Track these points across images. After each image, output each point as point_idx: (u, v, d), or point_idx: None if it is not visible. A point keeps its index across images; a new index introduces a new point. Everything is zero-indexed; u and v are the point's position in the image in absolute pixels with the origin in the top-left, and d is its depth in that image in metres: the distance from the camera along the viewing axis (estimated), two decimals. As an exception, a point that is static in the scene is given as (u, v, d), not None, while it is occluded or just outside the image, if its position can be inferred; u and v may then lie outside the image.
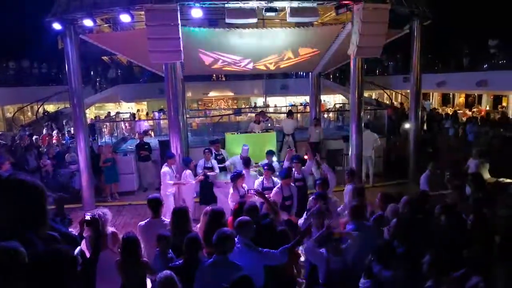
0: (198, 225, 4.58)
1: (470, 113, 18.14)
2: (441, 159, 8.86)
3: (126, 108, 23.26)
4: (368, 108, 15.37)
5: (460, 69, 18.90)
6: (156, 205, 4.48)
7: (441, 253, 3.40)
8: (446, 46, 20.46)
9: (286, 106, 22.15)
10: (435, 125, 13.97)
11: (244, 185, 6.17)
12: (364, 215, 4.60)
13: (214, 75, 22.76)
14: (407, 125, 11.00)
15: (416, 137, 10.30)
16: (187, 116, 13.46)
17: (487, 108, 19.48)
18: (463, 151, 9.82)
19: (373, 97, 23.67)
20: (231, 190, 6.09)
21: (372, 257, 3.54)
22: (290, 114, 12.20)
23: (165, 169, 7.22)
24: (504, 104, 19.76)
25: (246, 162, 7.22)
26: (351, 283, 3.69)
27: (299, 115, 17.30)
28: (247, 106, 23.67)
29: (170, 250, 3.85)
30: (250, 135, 10.63)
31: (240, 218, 3.87)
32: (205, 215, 4.32)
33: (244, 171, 6.55)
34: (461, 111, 18.90)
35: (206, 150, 8.07)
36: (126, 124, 15.72)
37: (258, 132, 10.95)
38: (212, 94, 23.36)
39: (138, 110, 22.80)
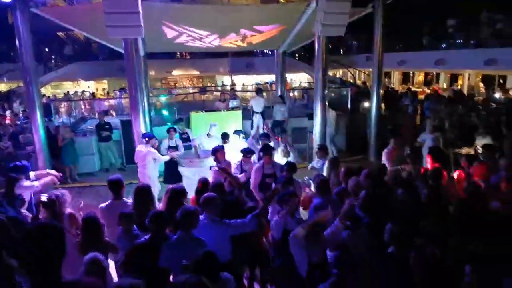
0: (160, 204, 4.52)
1: (428, 90, 18.85)
2: (401, 135, 9.19)
3: (86, 87, 22.26)
4: (333, 86, 15.61)
5: (419, 48, 19.50)
6: (117, 186, 4.35)
7: (400, 224, 3.57)
8: (407, 25, 20.95)
9: (253, 84, 22.07)
10: (395, 102, 14.42)
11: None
12: (330, 189, 4.73)
13: (178, 53, 22.18)
14: (367, 103, 11.28)
15: (377, 115, 10.60)
16: (150, 94, 13.09)
17: (444, 86, 20.33)
18: (421, 127, 10.26)
19: (338, 75, 24.05)
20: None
21: (339, 223, 3.68)
22: (259, 92, 12.14)
23: (148, 149, 6.96)
24: (460, 82, 20.69)
25: (224, 136, 7.30)
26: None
27: (265, 93, 17.31)
28: (212, 85, 23.35)
29: (135, 227, 3.78)
30: (215, 113, 10.52)
31: (206, 194, 3.85)
32: (166, 193, 4.27)
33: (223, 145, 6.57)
34: (420, 89, 19.62)
35: (171, 129, 7.91)
36: (86, 104, 15.09)
37: (224, 111, 10.87)
38: (176, 72, 22.81)
39: (99, 89, 21.91)
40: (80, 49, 20.30)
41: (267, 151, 5.92)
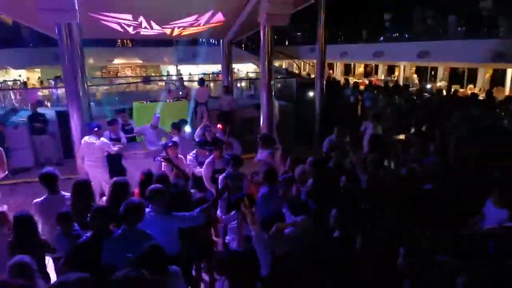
0: (104, 198, 4.32)
1: (368, 81, 19.79)
2: (343, 124, 9.59)
3: (16, 75, 20.49)
4: (279, 77, 15.82)
5: (360, 41, 20.35)
6: (50, 179, 4.05)
7: (344, 209, 3.73)
8: (348, 18, 21.76)
9: (199, 74, 21.69)
10: (338, 93, 14.95)
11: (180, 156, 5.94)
12: (277, 178, 4.81)
13: (119, 41, 21.16)
14: (311, 93, 11.60)
15: (321, 105, 10.94)
16: (89, 84, 12.36)
17: (382, 77, 21.47)
18: (362, 116, 10.77)
19: (284, 66, 24.40)
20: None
21: (288, 209, 3.76)
22: (201, 82, 11.96)
23: (102, 140, 6.56)
24: (396, 73, 21.96)
25: (178, 126, 7.10)
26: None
27: (212, 83, 17.09)
28: (157, 75, 22.60)
29: (76, 226, 3.57)
30: (160, 104, 10.19)
31: (152, 186, 3.74)
32: (109, 187, 4.08)
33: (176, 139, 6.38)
34: (361, 80, 20.54)
35: (113, 120, 7.55)
36: (17, 94, 13.94)
37: (170, 101, 10.58)
38: (117, 61, 21.75)
39: (32, 78, 20.28)
40: (7, 35, 18.54)
41: (218, 145, 5.80)
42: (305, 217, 3.65)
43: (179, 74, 21.26)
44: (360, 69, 24.98)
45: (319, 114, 10.88)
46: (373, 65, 23.66)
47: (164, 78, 19.84)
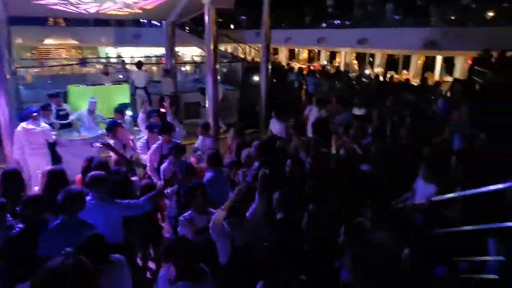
0: (36, 188, 4.05)
1: (312, 67, 20.29)
2: (288, 109, 9.78)
3: None
4: (224, 61, 15.65)
5: (304, 26, 20.70)
6: None
7: (287, 191, 3.83)
8: (292, 2, 21.96)
9: (141, 57, 20.78)
10: (282, 77, 15.17)
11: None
12: (221, 162, 4.80)
13: (52, 19, 19.55)
14: (256, 78, 11.65)
15: (267, 89, 11.02)
16: (17, 66, 11.34)
17: (325, 63, 22.11)
18: (306, 100, 11.06)
19: (229, 51, 24.16)
20: (111, 141, 5.48)
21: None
22: (139, 65, 11.49)
23: (44, 125, 6.08)
24: (338, 59, 22.72)
25: (121, 110, 6.82)
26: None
27: (154, 67, 16.49)
28: (94, 57, 21.26)
29: (9, 217, 3.31)
30: (98, 87, 9.64)
31: (93, 173, 3.57)
32: (43, 176, 3.83)
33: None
34: (305, 66, 20.99)
35: (47, 105, 7.03)
36: None
37: (109, 85, 10.06)
38: (49, 41, 20.12)
39: None
40: None
41: (167, 130, 5.55)
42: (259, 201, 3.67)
43: (119, 56, 20.20)
44: (304, 54, 25.48)
45: (265, 98, 10.96)
46: (316, 50, 24.26)
47: (103, 60, 18.72)
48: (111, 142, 5.48)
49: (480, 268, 3.50)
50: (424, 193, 3.79)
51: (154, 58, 19.85)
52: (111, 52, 22.25)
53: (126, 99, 9.19)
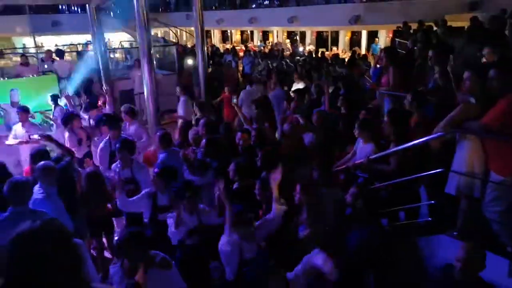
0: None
1: (245, 47, 20.42)
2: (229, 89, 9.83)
3: None
4: (157, 44, 15.18)
5: (234, 7, 20.62)
6: None
7: (239, 162, 3.98)
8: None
9: (66, 45, 19.31)
10: (218, 59, 15.13)
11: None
12: (172, 142, 4.80)
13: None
14: (191, 61, 11.50)
15: (204, 72, 10.92)
16: None
17: (258, 43, 22.35)
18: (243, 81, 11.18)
19: (159, 35, 23.34)
20: (66, 134, 5.15)
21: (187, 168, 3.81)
22: (60, 54, 10.77)
23: None
24: (270, 39, 23.06)
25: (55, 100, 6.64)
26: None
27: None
28: (9, 47, 19.36)
29: None
30: (21, 80, 8.92)
31: (42, 163, 3.43)
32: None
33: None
34: (239, 47, 21.04)
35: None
36: None
37: (33, 76, 9.34)
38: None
39: None
40: None
41: (114, 123, 5.06)
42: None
43: (39, 46, 18.59)
44: (237, 36, 25.45)
45: (204, 81, 10.88)
46: (249, 31, 24.36)
47: (20, 51, 17.09)
48: (66, 135, 5.16)
49: (416, 214, 3.95)
50: (364, 152, 4.13)
51: (79, 46, 18.60)
52: (29, 42, 20.40)
53: (56, 90, 8.62)
